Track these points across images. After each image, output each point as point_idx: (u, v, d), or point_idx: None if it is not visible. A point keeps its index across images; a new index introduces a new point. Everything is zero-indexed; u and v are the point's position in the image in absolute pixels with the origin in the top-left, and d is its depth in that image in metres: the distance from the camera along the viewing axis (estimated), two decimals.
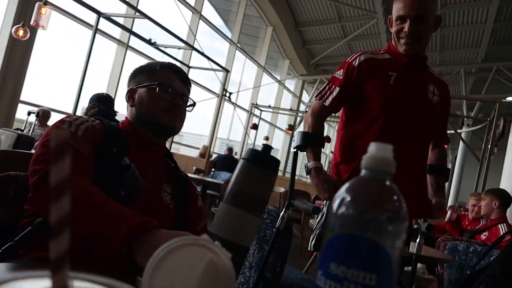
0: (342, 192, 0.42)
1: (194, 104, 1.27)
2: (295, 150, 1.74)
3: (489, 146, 7.13)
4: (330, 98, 1.67)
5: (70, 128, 1.04)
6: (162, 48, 7.65)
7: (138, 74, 1.24)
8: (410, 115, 1.61)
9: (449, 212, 4.06)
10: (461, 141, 12.71)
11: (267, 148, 0.70)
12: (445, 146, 1.95)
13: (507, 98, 12.18)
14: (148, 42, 7.30)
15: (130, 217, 0.84)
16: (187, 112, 1.25)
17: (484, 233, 3.30)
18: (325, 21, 12.21)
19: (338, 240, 0.41)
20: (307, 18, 12.33)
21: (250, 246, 0.67)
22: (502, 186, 4.44)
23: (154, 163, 1.18)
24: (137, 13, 6.91)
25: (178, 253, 0.41)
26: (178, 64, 8.47)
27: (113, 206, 0.88)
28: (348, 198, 0.41)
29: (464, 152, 14.32)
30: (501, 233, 3.07)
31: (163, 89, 1.17)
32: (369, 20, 11.28)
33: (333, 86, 1.67)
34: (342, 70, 1.66)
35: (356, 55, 1.68)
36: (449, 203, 14.25)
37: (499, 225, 3.20)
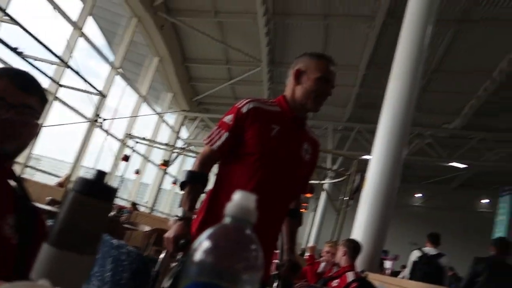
0: (202, 238, 0.43)
1: (40, 116, 1.06)
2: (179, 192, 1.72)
3: (346, 198, 7.77)
4: (219, 143, 1.68)
5: None
6: (31, 60, 6.74)
7: None
8: (283, 170, 1.68)
9: (323, 265, 4.15)
10: (323, 192, 13.76)
11: (101, 175, 0.62)
12: (310, 194, 2.06)
13: (363, 156, 13.63)
14: (13, 50, 6.34)
15: None
16: (37, 127, 1.05)
17: (336, 280, 3.43)
18: (213, 61, 12.38)
19: None
20: (196, 55, 12.34)
21: None
22: (354, 235, 4.79)
23: None
24: (5, 17, 6.01)
25: None
26: (47, 80, 7.57)
27: None
28: (207, 245, 0.42)
29: (325, 202, 15.45)
30: (348, 281, 3.26)
31: None
32: (254, 67, 11.76)
33: (222, 131, 1.69)
34: (231, 116, 1.69)
35: (246, 101, 1.71)
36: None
37: (347, 273, 3.36)
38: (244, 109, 1.67)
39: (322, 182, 12.97)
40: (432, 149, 13.90)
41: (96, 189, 0.61)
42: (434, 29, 5.65)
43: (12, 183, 1.07)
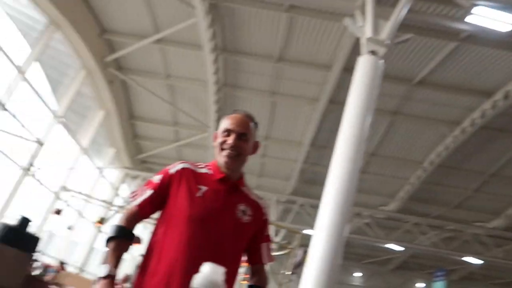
0: None
1: None
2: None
3: (288, 273, 7.61)
4: (140, 200, 1.68)
5: None
6: None
7: None
8: (216, 232, 1.64)
9: None
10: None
11: (25, 222, 0.49)
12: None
13: (305, 231, 13.67)
14: None
15: None
16: None
17: None
18: (161, 121, 12.41)
19: None
20: (144, 114, 12.35)
21: None
22: None
23: None
24: None
25: None
26: None
27: None
28: None
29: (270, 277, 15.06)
30: None
31: None
32: (201, 132, 11.87)
33: (147, 189, 1.71)
34: (160, 176, 1.72)
35: (177, 163, 1.76)
36: None
37: None
38: (173, 171, 1.71)
39: None
40: (370, 229, 14.22)
41: (16, 237, 0.53)
42: (372, 117, 6.03)
43: None
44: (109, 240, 1.61)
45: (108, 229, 1.67)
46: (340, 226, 5.21)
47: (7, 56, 8.10)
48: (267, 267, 1.86)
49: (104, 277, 1.51)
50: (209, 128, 11.48)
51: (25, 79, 8.59)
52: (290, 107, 10.49)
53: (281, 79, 9.62)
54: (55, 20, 8.75)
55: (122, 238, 1.63)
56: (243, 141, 1.73)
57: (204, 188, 1.68)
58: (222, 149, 1.73)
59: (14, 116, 7.40)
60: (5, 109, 7.45)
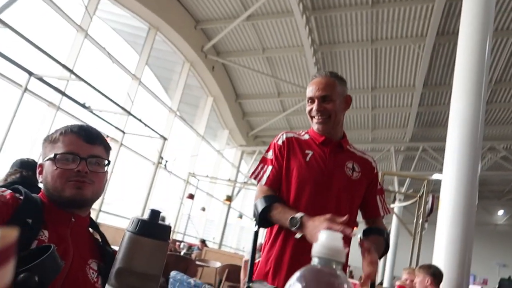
0: (292, 282, 0.42)
1: (109, 163, 1.18)
2: (255, 230, 1.69)
3: (420, 221, 7.34)
4: (265, 177, 1.73)
5: None
6: (97, 112, 7.32)
7: (43, 146, 1.17)
8: (330, 194, 1.67)
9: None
10: (394, 216, 13.17)
11: (155, 214, 0.62)
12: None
13: (433, 176, 12.97)
14: (82, 105, 6.95)
15: None
16: (104, 173, 1.16)
17: None
18: (265, 95, 12.64)
19: None
20: (248, 91, 12.69)
21: None
22: (434, 261, 4.47)
23: (76, 236, 1.11)
24: (72, 75, 6.64)
25: None
26: (112, 129, 8.14)
27: None
28: None
29: (397, 226, 14.80)
30: None
31: (64, 159, 1.10)
32: (304, 98, 11.80)
33: (265, 166, 1.76)
34: (271, 151, 1.79)
35: (280, 134, 1.81)
36: (386, 277, 14.35)
37: None
38: (280, 142, 1.77)
39: (392, 205, 12.45)
40: (508, 162, 12.94)
41: (149, 229, 0.61)
42: (492, 40, 5.37)
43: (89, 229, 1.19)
44: (266, 220, 1.63)
45: (255, 210, 1.67)
46: (471, 164, 4.80)
47: (123, 66, 8.92)
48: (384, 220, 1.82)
49: (303, 216, 1.49)
50: None
51: (141, 83, 9.41)
52: (395, 51, 9.83)
53: (380, 23, 9.02)
54: (154, 24, 9.37)
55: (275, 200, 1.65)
56: (328, 102, 1.71)
57: (310, 153, 1.73)
58: (312, 117, 1.76)
59: (139, 119, 8.14)
60: (130, 114, 8.25)
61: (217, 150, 13.95)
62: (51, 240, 1.03)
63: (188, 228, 12.61)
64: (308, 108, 1.76)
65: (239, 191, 14.45)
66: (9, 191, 1.06)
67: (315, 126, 1.75)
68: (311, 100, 1.73)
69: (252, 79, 12.03)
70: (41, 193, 1.14)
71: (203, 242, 10.11)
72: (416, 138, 13.34)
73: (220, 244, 13.74)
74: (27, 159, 3.15)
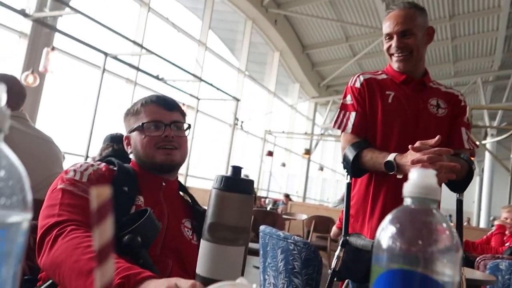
0: (387, 225, 0.41)
1: (189, 127, 1.25)
2: (348, 181, 1.65)
3: None
4: (350, 124, 1.63)
5: (75, 176, 1.06)
6: (170, 82, 7.61)
7: (126, 119, 1.26)
8: (417, 133, 1.57)
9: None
10: (487, 153, 12.30)
11: (237, 170, 0.65)
12: (471, 158, 1.78)
13: None
14: (156, 78, 7.26)
15: (117, 272, 0.79)
16: (187, 137, 1.24)
17: None
18: (332, 42, 12.16)
19: (389, 277, 0.39)
20: (314, 41, 12.29)
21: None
22: None
23: (169, 198, 1.19)
24: (143, 50, 6.90)
25: None
26: (187, 96, 8.42)
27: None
28: (394, 230, 0.40)
29: (491, 164, 13.87)
30: None
31: (150, 127, 1.18)
32: (376, 38, 11.17)
33: (347, 112, 1.66)
34: (349, 95, 1.67)
35: (356, 77, 1.69)
36: (482, 216, 13.68)
37: None
38: (357, 85, 1.66)
39: (484, 142, 11.60)
40: None
41: (232, 184, 0.65)
42: None
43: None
44: (357, 166, 1.56)
45: (345, 160, 1.60)
46: None
47: (188, 34, 9.07)
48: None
49: (397, 156, 1.42)
50: (381, 30, 10.68)
51: (207, 48, 9.53)
52: None
53: None
54: None
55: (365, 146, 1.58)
56: (408, 37, 1.57)
57: (392, 94, 1.62)
58: (391, 55, 1.63)
59: (210, 83, 8.30)
60: (202, 80, 8.43)
61: (290, 105, 13.89)
62: (147, 204, 1.11)
63: (270, 184, 12.92)
64: (386, 45, 1.64)
65: (317, 144, 14.37)
66: (103, 163, 1.17)
67: (395, 64, 1.63)
68: (389, 36, 1.60)
69: (317, 27, 11.59)
70: (132, 162, 1.23)
71: (287, 196, 10.31)
72: (506, 65, 12.11)
73: (304, 197, 13.94)
74: (116, 133, 3.41)
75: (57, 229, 0.93)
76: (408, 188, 0.41)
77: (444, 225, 0.40)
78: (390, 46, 1.61)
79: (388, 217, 0.42)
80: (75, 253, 0.86)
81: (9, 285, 0.32)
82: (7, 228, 0.32)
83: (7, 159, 0.32)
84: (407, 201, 0.42)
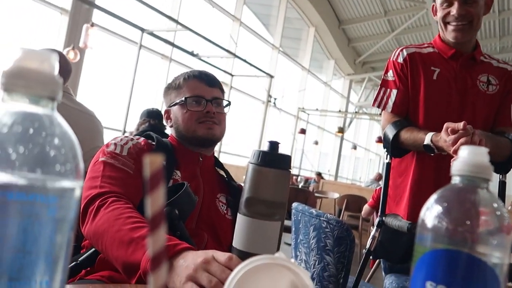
0: (432, 204, 0.39)
1: (229, 104, 1.27)
2: (388, 161, 1.61)
3: None
4: (390, 103, 1.57)
5: (115, 150, 1.09)
6: (205, 59, 7.62)
7: (167, 93, 1.28)
8: (464, 112, 1.50)
9: None
10: None
11: (274, 145, 0.65)
12: None
13: None
14: (191, 53, 7.29)
15: None
16: (226, 114, 1.27)
17: None
18: (370, 17, 11.75)
19: (433, 257, 0.38)
20: (351, 15, 11.92)
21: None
22: None
23: (205, 173, 1.21)
24: (178, 26, 6.92)
25: (256, 275, 0.39)
26: (220, 73, 8.43)
27: (140, 232, 0.85)
28: (440, 210, 0.39)
29: None
30: None
31: (192, 102, 1.20)
32: (417, 11, 10.71)
33: (388, 89, 1.59)
34: (391, 71, 1.59)
35: (399, 50, 1.61)
36: None
37: None
38: (400, 60, 1.57)
39: None
40: None
41: (270, 159, 0.64)
42: None
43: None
44: (397, 146, 1.53)
45: (385, 140, 1.56)
46: None
47: (222, 9, 9.00)
48: None
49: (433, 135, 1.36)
50: (425, 3, 10.22)
51: (242, 24, 9.45)
52: None
53: None
54: None
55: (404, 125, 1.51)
56: (470, 4, 1.45)
57: (437, 70, 1.53)
58: (447, 23, 1.51)
59: (244, 60, 8.26)
60: (236, 56, 8.41)
61: (324, 82, 13.66)
62: (184, 178, 1.14)
63: (302, 162, 12.88)
64: (442, 13, 1.51)
65: (350, 122, 14.15)
66: (142, 138, 1.18)
67: (450, 34, 1.51)
68: (449, 2, 1.49)
69: (354, 1, 11.21)
70: (170, 137, 1.26)
71: (319, 174, 10.27)
72: None
73: (336, 176, 13.85)
74: (152, 108, 3.49)
75: (99, 200, 0.96)
76: (457, 166, 0.39)
77: (495, 205, 0.38)
78: (448, 14, 1.50)
79: (434, 196, 0.40)
80: (117, 223, 0.89)
81: (63, 250, 0.33)
82: (60, 195, 0.33)
83: (60, 127, 0.33)
84: (455, 180, 0.40)
